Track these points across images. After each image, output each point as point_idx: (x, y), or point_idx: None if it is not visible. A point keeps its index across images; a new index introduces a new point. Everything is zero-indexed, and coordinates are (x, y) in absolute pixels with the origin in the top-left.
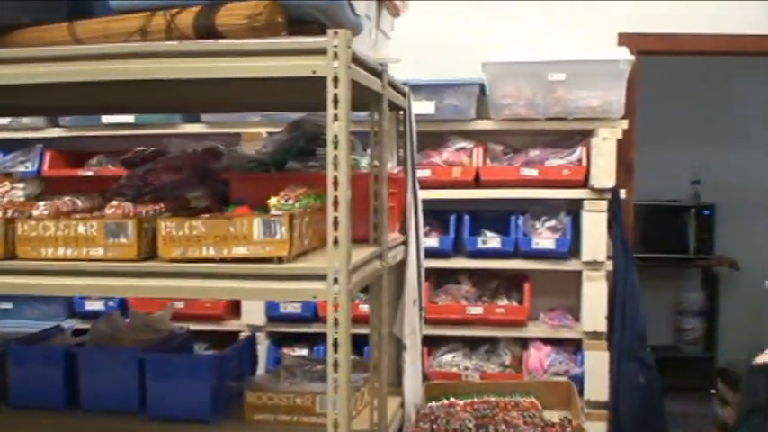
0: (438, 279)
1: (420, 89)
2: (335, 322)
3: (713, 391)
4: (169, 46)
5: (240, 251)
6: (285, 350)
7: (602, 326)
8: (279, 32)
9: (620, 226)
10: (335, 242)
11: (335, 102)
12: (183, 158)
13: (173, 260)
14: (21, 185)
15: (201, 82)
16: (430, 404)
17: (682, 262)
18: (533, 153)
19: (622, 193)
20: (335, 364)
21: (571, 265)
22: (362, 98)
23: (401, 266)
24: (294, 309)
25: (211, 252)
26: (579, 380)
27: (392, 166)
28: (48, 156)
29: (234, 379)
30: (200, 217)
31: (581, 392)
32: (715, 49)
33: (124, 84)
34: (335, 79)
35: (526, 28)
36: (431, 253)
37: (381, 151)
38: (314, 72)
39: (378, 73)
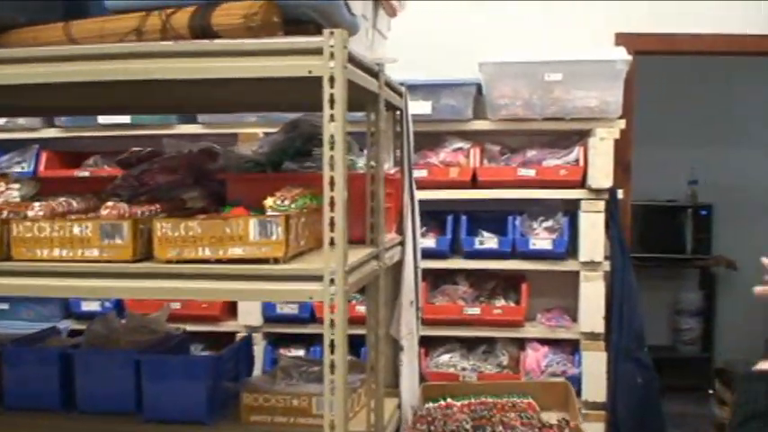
0: (435, 280)
1: (417, 89)
2: (332, 323)
3: (711, 392)
4: (164, 46)
5: (236, 252)
6: (282, 351)
7: (599, 326)
8: (275, 32)
9: (617, 226)
10: (332, 243)
11: (332, 102)
12: (178, 159)
13: (168, 261)
14: (16, 186)
15: (197, 82)
16: (427, 405)
17: (679, 262)
18: (530, 153)
19: (620, 194)
20: (332, 366)
21: (568, 265)
22: (359, 98)
23: (398, 267)
24: (291, 309)
25: (207, 253)
26: (577, 380)
27: (389, 167)
28: (44, 156)
29: (230, 380)
30: (195, 218)
31: (578, 393)
32: (712, 48)
33: (120, 84)
34: (332, 79)
35: (523, 28)
36: (428, 253)
37: (378, 151)
38: (310, 72)
39: (374, 73)
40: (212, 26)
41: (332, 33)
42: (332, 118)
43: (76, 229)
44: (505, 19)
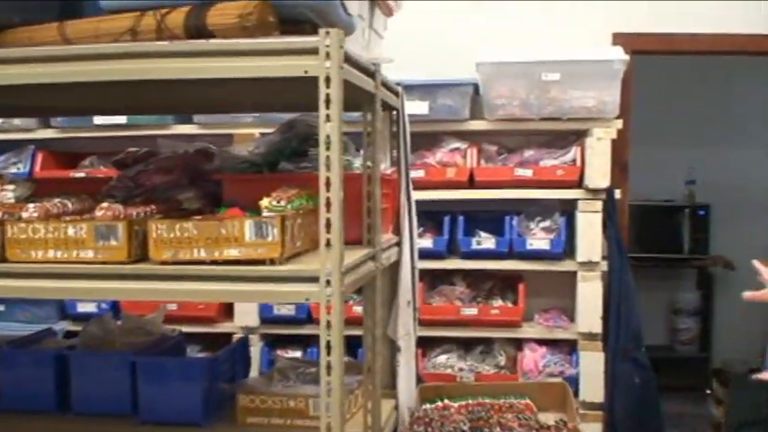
0: (432, 280)
1: (414, 89)
2: (328, 325)
3: (708, 392)
4: (159, 46)
5: (232, 253)
6: (279, 352)
7: (597, 326)
8: (270, 32)
9: (614, 226)
10: (328, 244)
11: (328, 102)
12: (174, 159)
13: (163, 262)
14: (11, 187)
15: (192, 82)
16: (424, 407)
17: (677, 262)
18: (528, 153)
19: (617, 194)
20: (328, 367)
21: (566, 265)
22: (355, 98)
23: (395, 268)
24: (288, 310)
25: (203, 254)
26: (574, 381)
27: (385, 167)
28: (40, 157)
29: (226, 381)
30: (191, 219)
31: (576, 393)
32: (710, 48)
33: (115, 84)
34: (327, 79)
35: (520, 27)
36: (425, 254)
37: (374, 152)
38: (306, 72)
39: (371, 73)
40: (207, 26)
41: (328, 33)
42: (328, 118)
43: (71, 231)
44: (502, 18)
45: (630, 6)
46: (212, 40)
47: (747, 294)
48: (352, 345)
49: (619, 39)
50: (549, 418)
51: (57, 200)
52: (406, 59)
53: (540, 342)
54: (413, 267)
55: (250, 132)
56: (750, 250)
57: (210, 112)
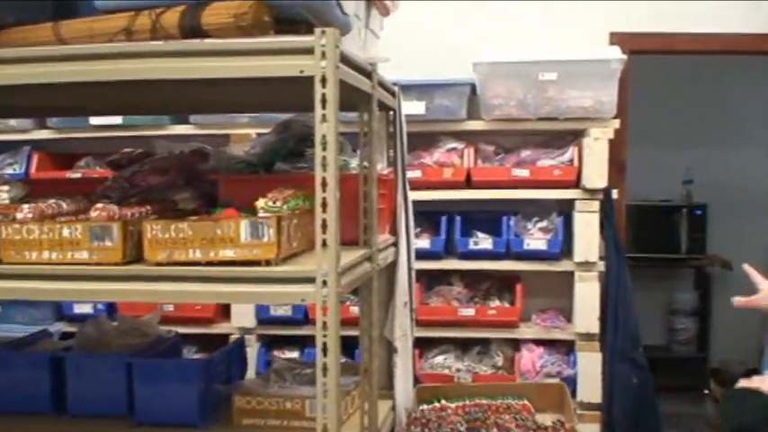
0: (429, 280)
1: (410, 89)
2: (324, 326)
3: (706, 392)
4: (154, 46)
5: (227, 254)
6: (276, 353)
7: (594, 327)
8: (266, 32)
9: (612, 226)
10: (324, 244)
11: (324, 102)
12: (169, 160)
13: (158, 263)
14: (5, 188)
15: (188, 82)
16: (421, 407)
17: (674, 262)
18: (525, 153)
19: (614, 194)
20: (324, 368)
21: (563, 265)
22: (352, 98)
23: (392, 268)
24: (285, 311)
25: (198, 255)
26: (572, 381)
27: (382, 167)
28: (36, 158)
29: (223, 383)
30: (186, 219)
31: (574, 394)
32: (707, 48)
33: (110, 84)
34: (323, 79)
35: (517, 27)
36: (422, 254)
37: (371, 152)
38: (301, 72)
39: (367, 73)
40: (202, 26)
41: (323, 32)
42: (324, 118)
43: (66, 232)
44: (499, 19)
45: (628, 6)
46: (207, 40)
47: (738, 300)
48: (350, 345)
49: (616, 38)
50: (546, 419)
51: (51, 200)
52: (402, 59)
53: (538, 342)
54: (409, 268)
55: (246, 133)
56: (748, 250)
57: (207, 113)
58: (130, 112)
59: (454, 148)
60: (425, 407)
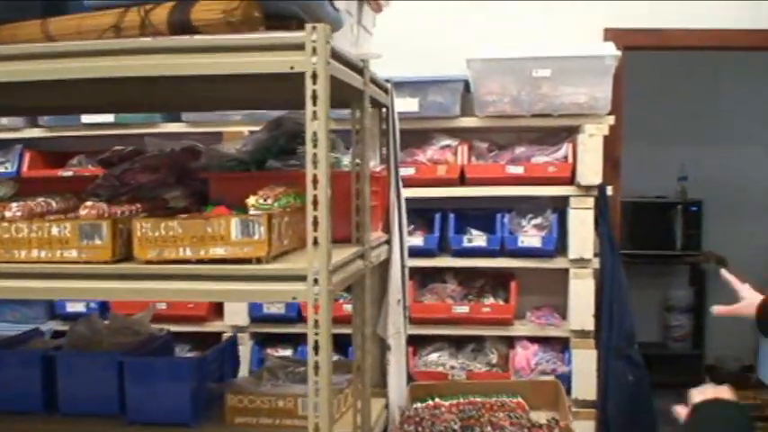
0: (423, 278)
1: (403, 86)
2: (316, 324)
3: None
4: (143, 42)
5: (218, 252)
6: (269, 351)
7: (589, 324)
8: (256, 28)
9: (606, 223)
10: (315, 242)
11: (314, 98)
12: (160, 158)
13: (148, 262)
14: None
15: (177, 79)
16: (415, 405)
17: (669, 259)
18: (519, 150)
19: (609, 190)
20: (316, 367)
21: (558, 262)
22: (344, 95)
23: (385, 266)
24: (278, 309)
25: (188, 253)
26: (567, 379)
27: (375, 165)
28: (27, 156)
29: (215, 381)
30: (176, 217)
31: (569, 391)
32: (702, 44)
33: (99, 82)
34: (314, 75)
35: (511, 23)
36: (416, 252)
37: (363, 149)
38: (292, 68)
39: (359, 69)
40: (192, 22)
41: (314, 28)
42: (315, 115)
43: (55, 230)
44: (493, 15)
45: (622, 2)
46: (197, 36)
47: (718, 309)
48: (343, 343)
49: (610, 34)
50: (541, 417)
51: (41, 199)
52: (395, 56)
53: (532, 340)
54: (403, 265)
55: (239, 130)
56: (743, 246)
57: (198, 110)
58: (122, 110)
59: (448, 146)
60: (419, 405)
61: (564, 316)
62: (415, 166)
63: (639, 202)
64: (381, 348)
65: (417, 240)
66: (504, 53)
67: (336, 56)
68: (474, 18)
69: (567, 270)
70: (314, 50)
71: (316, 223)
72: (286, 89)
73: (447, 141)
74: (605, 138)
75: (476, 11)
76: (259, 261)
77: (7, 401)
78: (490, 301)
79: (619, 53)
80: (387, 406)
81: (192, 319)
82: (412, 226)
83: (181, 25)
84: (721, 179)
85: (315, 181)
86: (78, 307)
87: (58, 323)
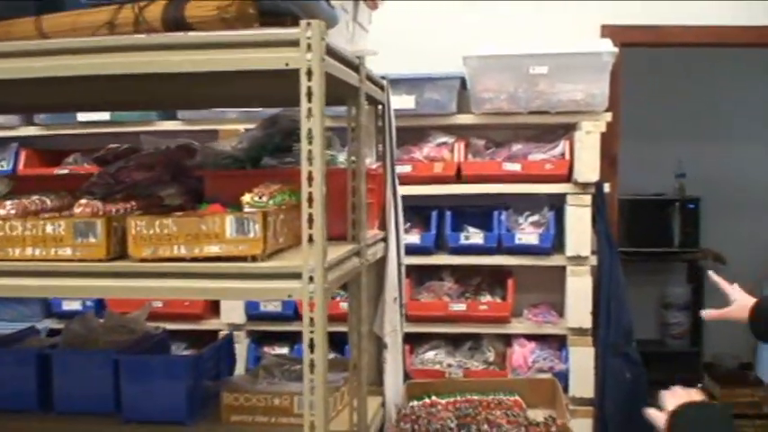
0: (420, 276)
1: (400, 83)
2: (311, 322)
3: (700, 386)
4: (137, 39)
5: (212, 250)
6: (266, 349)
7: (586, 321)
8: (250, 24)
9: (604, 220)
10: (310, 239)
11: (309, 95)
12: (155, 156)
13: (143, 260)
14: None
15: (172, 76)
16: (411, 404)
17: (667, 256)
18: (516, 147)
19: (606, 187)
20: (312, 365)
21: (555, 260)
22: (339, 92)
23: (381, 264)
24: (274, 307)
25: (183, 251)
26: (564, 376)
27: (371, 162)
28: (23, 154)
29: (211, 379)
30: (170, 215)
31: (566, 389)
32: (699, 40)
33: (93, 79)
34: (309, 72)
35: (507, 20)
36: (413, 249)
37: (359, 146)
38: (286, 64)
39: (354, 66)
40: (186, 18)
41: (309, 25)
42: (309, 111)
43: (49, 228)
44: (489, 11)
45: None
46: (191, 33)
47: (708, 313)
48: (339, 341)
49: (607, 31)
50: (538, 415)
51: (35, 197)
52: (392, 53)
53: (530, 337)
54: (399, 263)
55: (235, 128)
56: (741, 243)
57: (194, 108)
58: (117, 107)
59: (444, 143)
60: (415, 403)
61: (561, 313)
62: (412, 164)
63: (637, 199)
64: (378, 346)
65: (414, 238)
66: (501, 50)
67: (332, 52)
68: (471, 15)
69: (564, 267)
70: (309, 47)
71: (311, 221)
72: (281, 86)
73: (443, 138)
74: (602, 135)
75: (473, 7)
76: (254, 259)
77: (2, 400)
78: (487, 298)
79: (616, 50)
80: (383, 404)
81: (188, 318)
82: (408, 223)
83: (175, 22)
84: (719, 176)
85: (310, 178)
86: (74, 305)
87: (54, 321)
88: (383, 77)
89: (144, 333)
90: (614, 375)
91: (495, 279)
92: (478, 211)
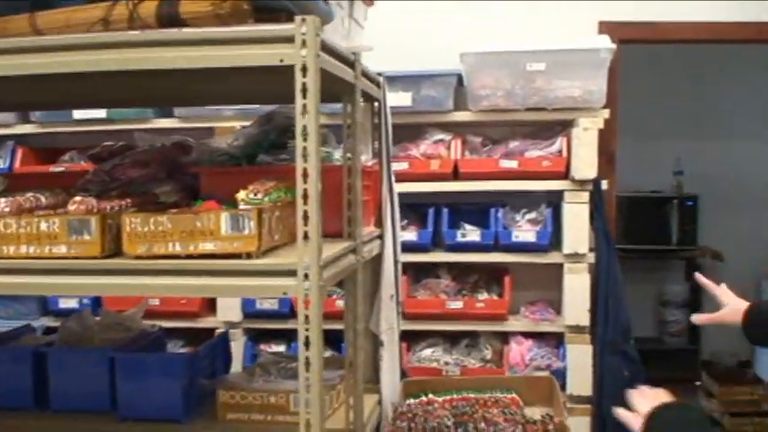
0: (417, 273)
1: (396, 80)
2: (306, 319)
3: (698, 384)
4: (131, 36)
5: (207, 247)
6: (262, 347)
7: (584, 319)
8: (245, 20)
9: (602, 217)
10: (306, 237)
11: (304, 91)
12: (150, 153)
13: (138, 257)
14: None
15: (167, 72)
16: (408, 402)
17: (665, 253)
18: (513, 144)
19: (604, 184)
20: (307, 363)
21: (552, 257)
22: (335, 89)
23: (377, 261)
24: (271, 305)
25: (177, 248)
26: (561, 374)
27: (367, 159)
28: (20, 152)
29: (207, 377)
30: (165, 212)
31: (563, 387)
32: (697, 37)
33: (88, 76)
34: (304, 68)
35: (505, 16)
36: (409, 247)
37: (355, 143)
38: (281, 61)
39: (350, 62)
40: (180, 14)
41: (304, 21)
42: (304, 108)
43: (43, 225)
44: (487, 8)
45: None
46: (185, 29)
47: (698, 317)
48: (337, 339)
49: (605, 27)
50: (535, 413)
51: (29, 194)
52: (388, 50)
53: (527, 335)
54: (395, 260)
55: (231, 126)
56: (739, 241)
57: (189, 105)
58: (113, 104)
59: (441, 140)
60: (412, 401)
61: (558, 311)
62: (409, 161)
63: (635, 196)
64: (374, 344)
65: (411, 235)
66: (498, 47)
67: (327, 48)
68: (469, 11)
69: (561, 265)
70: (303, 43)
71: (306, 217)
72: (277, 83)
73: (440, 136)
74: (600, 132)
75: (471, 3)
76: (249, 256)
77: None
78: (484, 296)
79: (613, 46)
80: (380, 402)
81: (184, 315)
82: (405, 221)
83: (169, 18)
84: (717, 174)
85: (305, 175)
86: (71, 303)
87: (50, 319)
88: (379, 74)
89: (140, 331)
90: (612, 373)
91: (492, 276)
92: (475, 209)
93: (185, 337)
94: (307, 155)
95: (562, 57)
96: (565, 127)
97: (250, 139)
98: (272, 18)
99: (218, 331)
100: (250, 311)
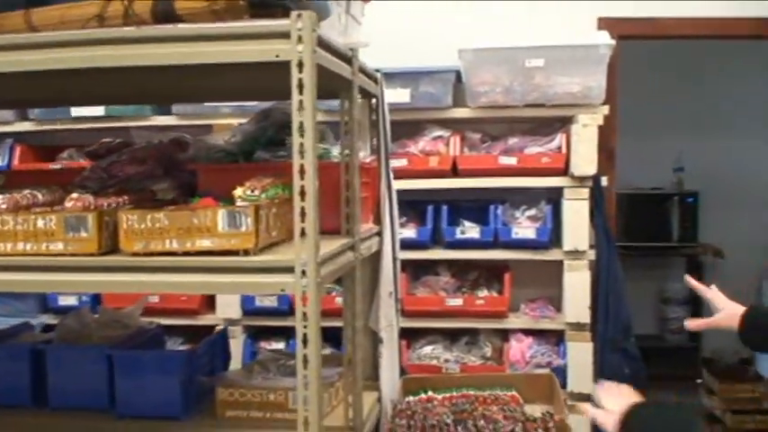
0: (416, 270)
1: (395, 77)
2: (304, 316)
3: (699, 381)
4: (126, 32)
5: (204, 244)
6: (262, 344)
7: (584, 316)
8: (240, 16)
9: (602, 214)
10: (303, 233)
11: (301, 87)
12: (148, 150)
13: (135, 254)
14: None
15: (163, 69)
16: (407, 399)
17: (665, 250)
18: (512, 141)
19: (604, 181)
20: (305, 360)
21: (552, 254)
22: (332, 85)
23: (376, 258)
24: (270, 302)
25: (174, 245)
26: (562, 372)
27: (365, 156)
28: (18, 150)
29: (206, 374)
30: (162, 209)
31: (564, 384)
32: (696, 32)
33: (84, 72)
34: (300, 64)
35: (504, 12)
36: (408, 244)
37: (352, 140)
38: (277, 56)
39: (347, 58)
40: (176, 10)
41: (300, 16)
42: (301, 104)
43: (41, 222)
44: (485, 4)
45: None
46: (180, 25)
47: (692, 323)
48: (336, 336)
49: (604, 23)
50: (535, 410)
51: (27, 191)
52: (387, 46)
53: (527, 332)
54: (394, 258)
55: (229, 123)
56: (739, 238)
57: (186, 101)
58: (109, 101)
59: (440, 137)
60: (411, 398)
61: (559, 308)
62: (407, 158)
63: (635, 193)
64: (373, 341)
65: (410, 232)
66: (497, 43)
67: (323, 44)
68: (468, 7)
69: (561, 262)
70: (299, 38)
71: (303, 214)
72: (273, 79)
73: (439, 132)
74: (600, 128)
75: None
76: (246, 253)
77: None
78: (484, 293)
79: (613, 42)
80: (379, 399)
81: (184, 313)
82: (404, 218)
83: (165, 14)
84: (718, 170)
85: (302, 171)
86: (70, 300)
87: (50, 317)
88: (377, 71)
89: (138, 328)
90: (613, 371)
91: (491, 274)
92: (475, 206)
93: (185, 335)
94: (303, 151)
95: (561, 53)
96: (564, 123)
97: (247, 136)
98: (268, 14)
99: (217, 329)
100: (249, 309)
